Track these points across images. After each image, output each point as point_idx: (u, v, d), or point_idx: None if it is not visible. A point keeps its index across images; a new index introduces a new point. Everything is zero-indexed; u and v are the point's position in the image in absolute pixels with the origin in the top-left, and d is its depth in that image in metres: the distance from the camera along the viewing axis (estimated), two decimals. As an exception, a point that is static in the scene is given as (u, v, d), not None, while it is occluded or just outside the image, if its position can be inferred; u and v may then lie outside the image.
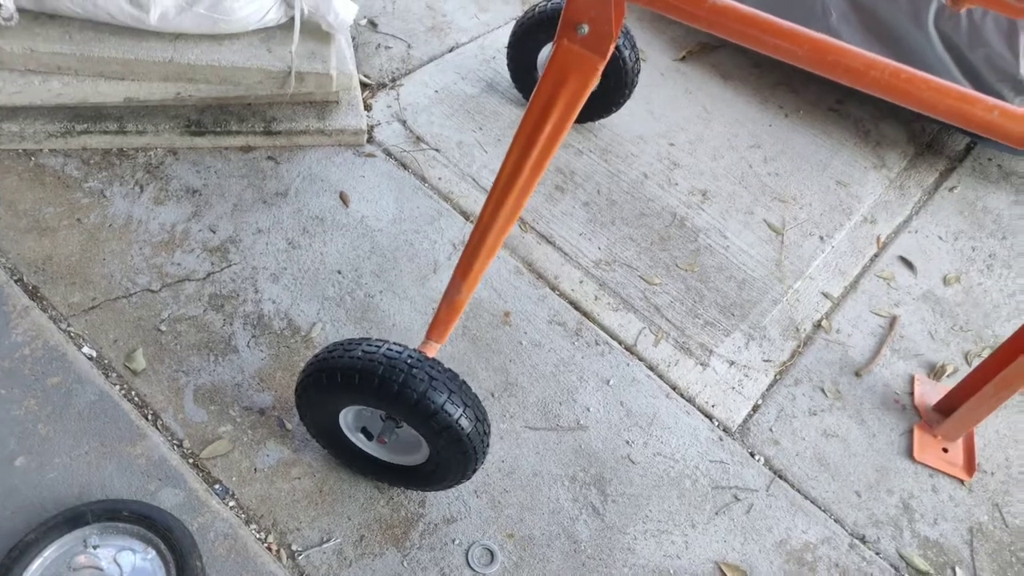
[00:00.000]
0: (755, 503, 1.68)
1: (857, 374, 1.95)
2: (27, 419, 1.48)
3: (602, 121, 2.35)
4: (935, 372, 2.00)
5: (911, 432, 1.86)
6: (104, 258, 1.74)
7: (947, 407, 1.87)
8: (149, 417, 1.55)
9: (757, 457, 1.76)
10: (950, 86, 1.25)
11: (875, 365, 1.97)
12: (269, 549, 1.44)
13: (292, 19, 1.88)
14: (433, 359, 1.34)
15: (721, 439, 1.77)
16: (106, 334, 1.63)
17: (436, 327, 1.53)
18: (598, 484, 1.64)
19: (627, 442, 1.72)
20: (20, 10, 1.72)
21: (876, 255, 2.24)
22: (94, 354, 1.60)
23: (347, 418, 1.45)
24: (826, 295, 2.11)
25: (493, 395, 1.73)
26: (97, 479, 1.43)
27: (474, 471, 1.43)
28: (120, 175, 1.89)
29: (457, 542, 1.52)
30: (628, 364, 1.85)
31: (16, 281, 1.66)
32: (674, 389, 1.83)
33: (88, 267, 1.72)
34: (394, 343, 1.35)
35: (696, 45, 2.69)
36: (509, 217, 1.47)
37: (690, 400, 1.82)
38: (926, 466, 1.81)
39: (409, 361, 1.31)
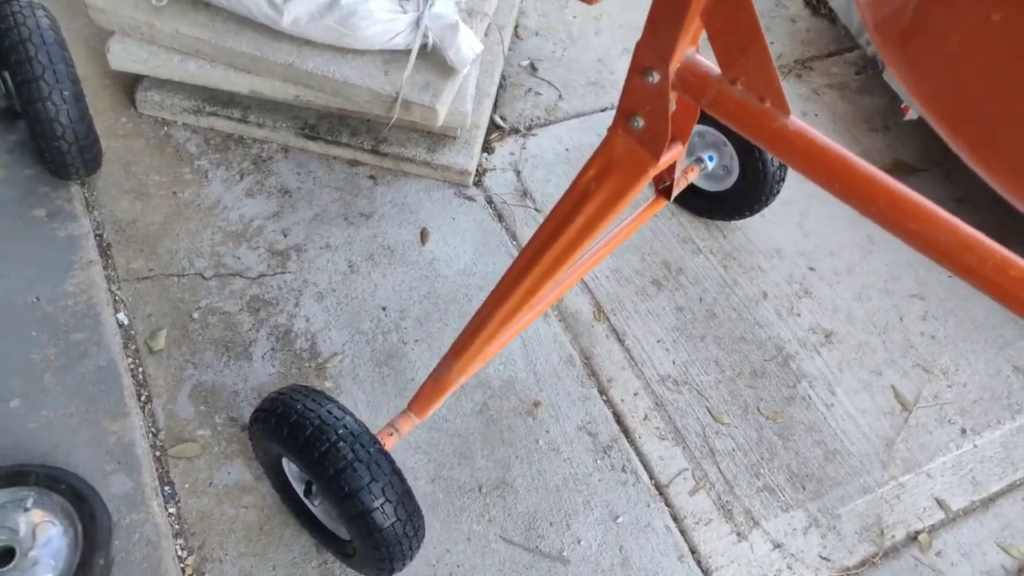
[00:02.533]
0: None
1: (940, 615, 1.54)
2: (40, 365, 1.55)
3: (740, 223, 2.08)
4: (1056, 650, 1.52)
5: None
6: (178, 234, 1.81)
7: None
8: (142, 398, 1.57)
9: (760, 671, 1.43)
10: (989, 245, 0.93)
11: (971, 612, 1.54)
12: (183, 570, 1.39)
13: (420, 48, 1.84)
14: (370, 438, 1.22)
15: (724, 632, 1.46)
16: (145, 306, 1.68)
17: (418, 400, 1.40)
18: (552, 630, 1.42)
19: (607, 594, 1.47)
20: (180, -8, 1.83)
21: (1033, 473, 1.77)
22: (125, 322, 1.65)
23: (291, 466, 1.36)
24: (941, 503, 1.69)
25: (480, 489, 1.56)
26: (67, 443, 1.47)
27: (391, 572, 1.28)
28: (229, 160, 1.96)
29: (369, 636, 1.37)
30: (649, 505, 1.59)
31: (96, 236, 1.76)
32: (692, 553, 1.55)
33: (161, 239, 1.79)
34: (342, 410, 1.24)
35: (890, 163, 2.30)
36: (516, 307, 1.31)
37: (706, 572, 1.53)
38: None
39: (340, 432, 1.19)
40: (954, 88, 0.61)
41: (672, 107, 1.14)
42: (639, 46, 1.08)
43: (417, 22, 1.83)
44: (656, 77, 1.09)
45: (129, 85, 2.02)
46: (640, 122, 1.15)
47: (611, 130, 1.21)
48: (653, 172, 1.20)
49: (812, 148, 1.02)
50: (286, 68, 1.82)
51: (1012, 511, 1.69)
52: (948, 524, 1.66)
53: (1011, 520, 1.68)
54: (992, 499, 1.71)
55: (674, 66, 1.08)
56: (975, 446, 1.79)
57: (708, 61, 1.10)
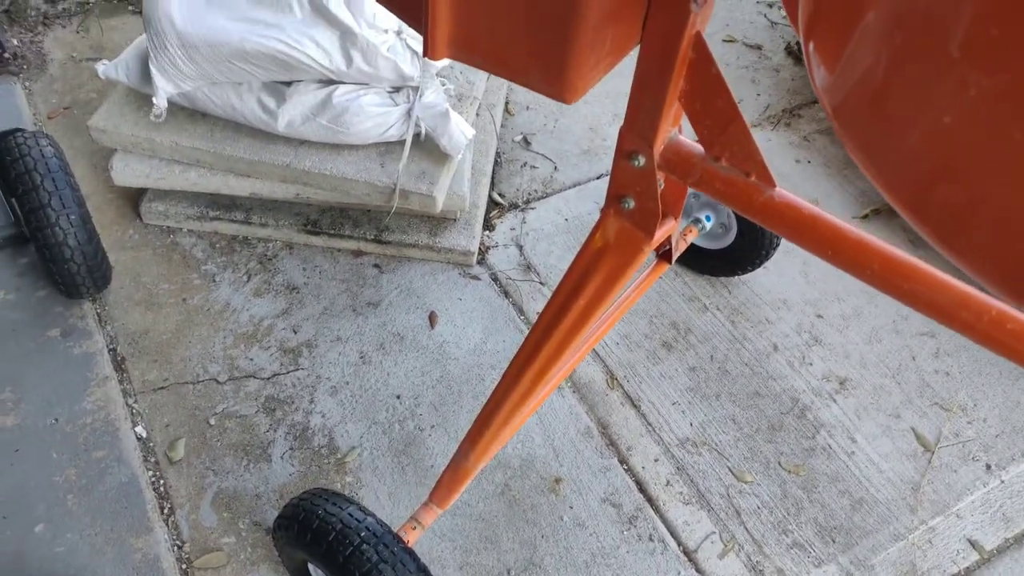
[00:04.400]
0: None
1: (989, 663, 1.50)
2: (63, 487, 1.57)
3: (743, 277, 2.10)
4: None
5: None
6: (191, 341, 1.84)
7: None
8: (165, 511, 1.57)
9: None
10: (984, 301, 0.94)
11: (1020, 657, 1.51)
12: None
13: (414, 138, 1.89)
14: (393, 537, 1.22)
15: None
16: (162, 417, 1.70)
17: (439, 491, 1.41)
18: None
19: (647, 672, 1.45)
20: (178, 107, 1.90)
21: (1065, 504, 1.74)
22: (144, 435, 1.67)
23: (318, 572, 1.36)
24: (974, 544, 1.66)
25: (509, 573, 1.55)
26: (93, 565, 1.47)
27: (425, 670, 1.27)
28: (235, 262, 2.00)
29: None
30: (680, 573, 1.57)
31: (110, 350, 1.80)
32: (728, 619, 1.53)
33: (174, 347, 1.82)
34: (363, 511, 1.24)
35: (885, 203, 2.33)
36: (528, 390, 1.32)
37: (744, 639, 1.50)
38: None
39: (363, 535, 1.19)
40: (912, 178, 0.63)
41: (661, 186, 1.18)
42: (622, 132, 1.12)
43: (408, 113, 1.88)
44: (642, 160, 1.12)
45: (133, 198, 2.08)
46: (631, 203, 1.18)
47: (603, 212, 1.24)
48: (648, 250, 1.22)
49: (800, 218, 1.05)
50: (284, 169, 1.87)
51: (1049, 547, 1.67)
52: (983, 565, 1.64)
53: (1049, 557, 1.65)
54: (1027, 536, 1.69)
55: (658, 148, 1.11)
56: (1002, 482, 1.77)
57: (691, 141, 1.13)
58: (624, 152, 1.14)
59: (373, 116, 1.85)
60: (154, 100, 1.80)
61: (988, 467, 1.79)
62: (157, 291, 1.92)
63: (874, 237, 1.03)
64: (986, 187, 0.58)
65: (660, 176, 1.16)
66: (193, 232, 2.06)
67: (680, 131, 1.16)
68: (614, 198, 1.21)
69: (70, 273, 1.67)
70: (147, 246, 2.01)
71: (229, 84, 1.80)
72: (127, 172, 1.93)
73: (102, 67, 1.84)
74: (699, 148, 1.12)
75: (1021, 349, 0.94)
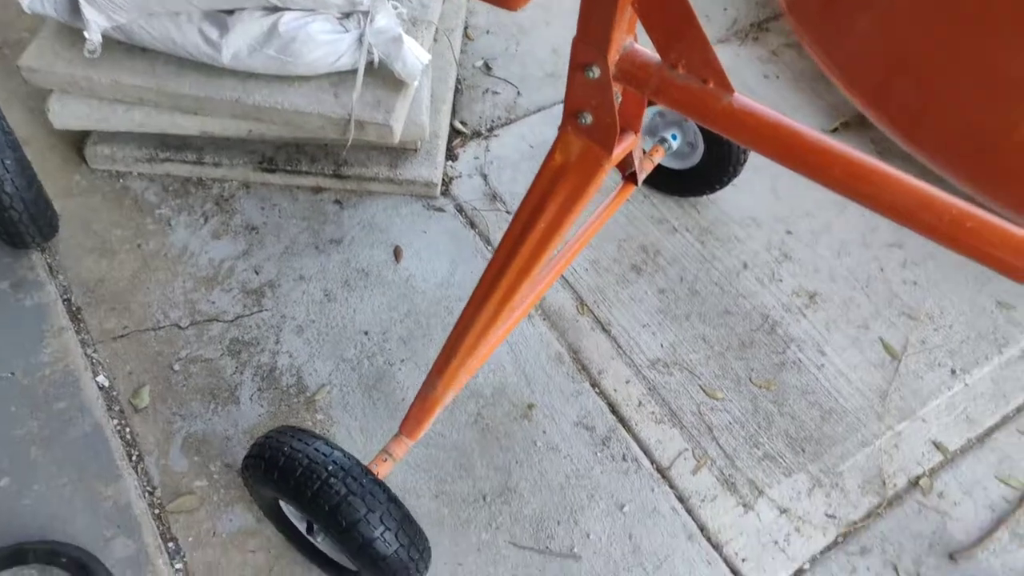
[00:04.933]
0: None
1: (952, 556, 1.54)
2: (25, 440, 1.54)
3: (712, 196, 2.07)
4: (1072, 577, 1.53)
5: (1011, 653, 1.44)
6: (149, 287, 1.79)
7: (1075, 630, 1.42)
8: (133, 458, 1.55)
9: (784, 640, 1.44)
10: (945, 200, 0.93)
11: (981, 549, 1.55)
12: (199, 624, 1.38)
13: (367, 66, 1.82)
14: (361, 470, 1.21)
15: (743, 607, 1.46)
16: (124, 365, 1.67)
17: (408, 422, 1.40)
18: (573, 631, 1.42)
19: (623, 586, 1.47)
20: (115, 42, 1.80)
21: (1028, 404, 1.78)
22: (106, 384, 1.64)
23: (289, 507, 1.36)
24: (938, 446, 1.70)
25: (485, 499, 1.56)
26: (63, 514, 1.46)
27: (403, 597, 1.28)
28: (191, 205, 1.94)
29: (393, 662, 1.37)
30: (654, 490, 1.59)
31: (64, 300, 1.75)
32: (701, 530, 1.55)
33: (132, 294, 1.77)
34: (329, 446, 1.23)
35: (856, 115, 2.30)
36: (492, 317, 1.30)
37: (717, 547, 1.53)
38: None
39: (330, 468, 1.18)
40: (868, 73, 0.60)
41: (618, 99, 1.14)
42: (575, 43, 1.07)
43: (360, 40, 1.81)
44: (596, 72, 1.08)
45: (77, 142, 1.99)
46: (588, 118, 1.15)
47: (561, 129, 1.20)
48: (608, 166, 1.19)
49: (760, 124, 1.02)
50: (233, 104, 1.80)
51: (1008, 444, 1.70)
52: (947, 465, 1.67)
53: (1008, 453, 1.69)
54: (987, 435, 1.72)
55: (613, 58, 1.07)
56: (966, 385, 1.79)
57: (647, 50, 1.09)
58: (578, 64, 1.10)
59: (323, 44, 1.77)
60: (86, 34, 1.71)
61: (953, 372, 1.81)
62: (110, 238, 1.86)
63: (836, 142, 1.00)
64: (939, 77, 0.56)
65: (617, 88, 1.12)
66: (144, 175, 1.99)
67: (636, 40, 1.11)
68: (571, 114, 1.17)
69: (12, 222, 1.60)
70: (96, 192, 1.94)
71: (167, 15, 1.71)
72: (66, 114, 1.85)
73: (27, 1, 1.74)
74: (655, 57, 1.08)
75: (981, 247, 0.93)
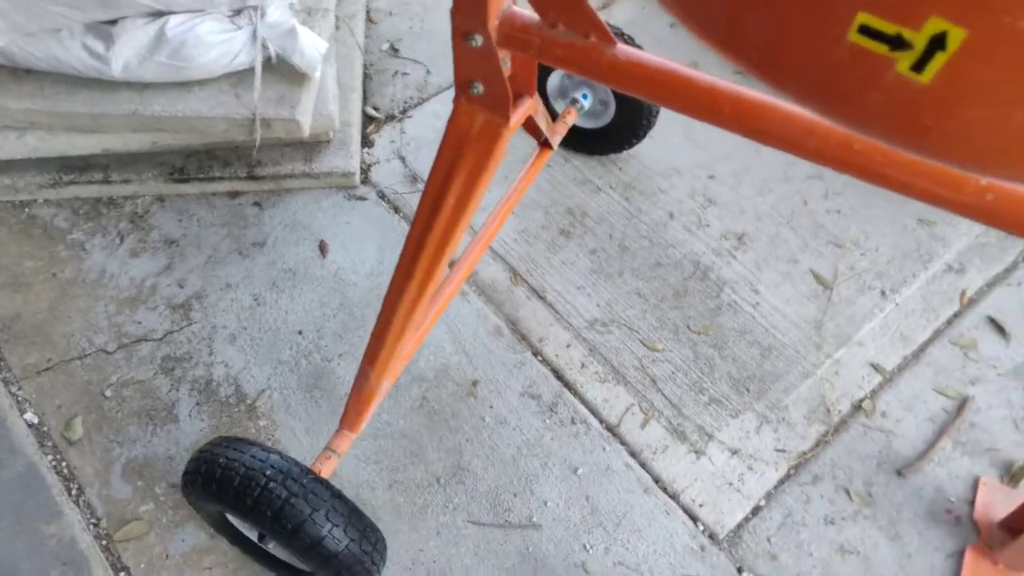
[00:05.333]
0: (733, 636, 1.40)
1: (899, 472, 1.58)
2: (-42, 489, 1.49)
3: (632, 151, 2.08)
4: (1012, 475, 1.58)
5: (961, 555, 1.48)
6: (70, 315, 1.74)
7: (1018, 524, 1.47)
8: (73, 492, 1.51)
9: (746, 574, 1.46)
10: (923, 162, 0.93)
11: (927, 462, 1.59)
12: (162, 648, 1.36)
13: (264, 63, 1.78)
14: (301, 470, 1.19)
15: (703, 548, 1.49)
16: (52, 399, 1.62)
17: (348, 416, 1.38)
18: (540, 598, 1.43)
19: (584, 546, 1.48)
20: (-2, 67, 1.73)
21: (956, 315, 1.82)
22: (35, 420, 1.59)
23: (235, 518, 1.34)
24: (876, 367, 1.73)
25: (439, 481, 1.55)
26: (6, 560, 1.42)
27: (363, 590, 1.27)
28: (104, 226, 1.88)
29: (364, 656, 1.36)
30: (605, 449, 1.60)
31: (-17, 340, 1.69)
32: (656, 482, 1.57)
33: (52, 325, 1.72)
34: (265, 451, 1.21)
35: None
36: (414, 301, 1.29)
37: (673, 496, 1.55)
38: (977, 603, 1.44)
39: (268, 473, 1.17)
40: (720, 14, 0.59)
41: (507, 64, 1.12)
42: (453, 13, 1.05)
43: (253, 36, 1.76)
44: (479, 40, 1.06)
45: (-23, 176, 1.92)
46: (479, 88, 1.13)
47: (455, 102, 1.19)
48: (508, 133, 1.18)
49: (647, 72, 1.01)
50: (131, 117, 1.74)
51: (941, 356, 1.75)
52: (886, 384, 1.71)
53: (942, 365, 1.73)
54: (922, 350, 1.76)
55: (493, 24, 1.05)
56: (897, 304, 1.83)
57: (526, 11, 1.08)
58: (460, 34, 1.08)
59: (215, 45, 1.72)
60: (-34, 63, 1.64)
61: (883, 293, 1.85)
62: (22, 270, 1.80)
63: (724, 81, 1.00)
64: (788, 10, 0.55)
65: (504, 54, 1.10)
66: (50, 201, 1.92)
67: (515, 2, 1.10)
68: (462, 85, 1.15)
69: (-87, 266, 1.54)
70: (1, 225, 1.87)
71: (46, 32, 1.65)
72: (-42, 148, 1.78)
73: (-103, 36, 1.66)
74: (535, 17, 1.07)
75: (869, 165, 0.94)
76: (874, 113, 0.54)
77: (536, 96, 1.31)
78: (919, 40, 0.47)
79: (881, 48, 0.49)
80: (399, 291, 1.29)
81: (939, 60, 0.47)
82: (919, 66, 0.48)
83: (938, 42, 0.46)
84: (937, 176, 0.90)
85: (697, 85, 1.00)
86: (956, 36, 0.45)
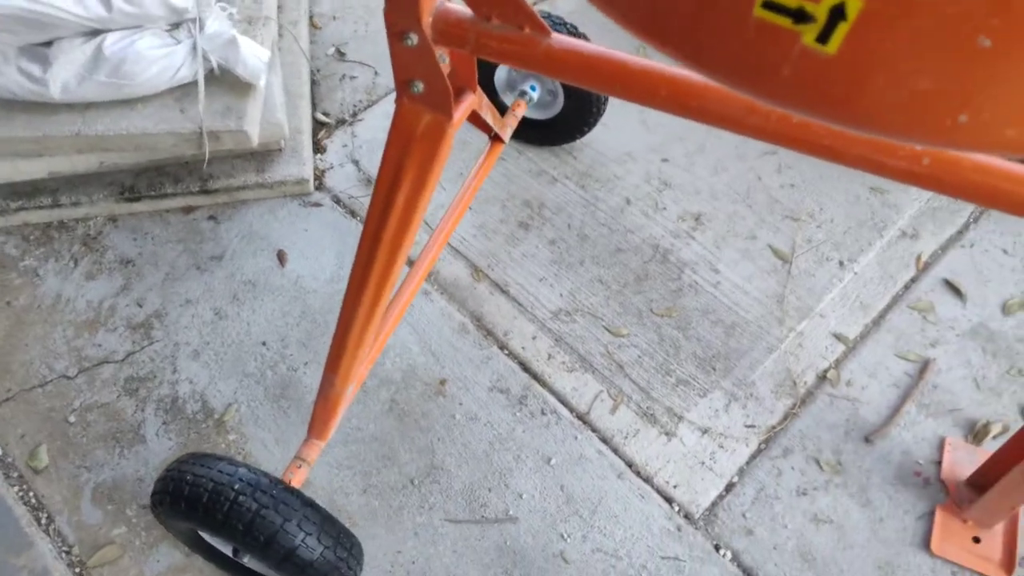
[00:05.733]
0: (713, 612, 1.41)
1: (867, 439, 1.61)
2: (-77, 527, 1.46)
3: (585, 140, 2.08)
4: (976, 433, 1.62)
5: (932, 515, 1.51)
6: (27, 343, 1.71)
7: (985, 481, 1.50)
8: (42, 521, 1.49)
9: (723, 551, 1.48)
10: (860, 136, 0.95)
11: (893, 426, 1.62)
12: (143, 671, 1.35)
13: (207, 75, 1.76)
14: (270, 481, 1.19)
15: (679, 529, 1.50)
16: (15, 429, 1.60)
17: (315, 424, 1.37)
18: (521, 590, 1.43)
19: (562, 536, 1.49)
20: (-66, 97, 1.70)
21: (913, 280, 1.85)
22: None
23: (207, 534, 1.33)
24: (839, 337, 1.76)
25: (413, 482, 1.55)
26: (-22, 594, 1.40)
27: (341, 596, 1.27)
28: (57, 250, 1.85)
29: (348, 662, 1.36)
30: (576, 438, 1.61)
31: (-61, 375, 1.66)
32: (629, 467, 1.58)
33: (10, 355, 1.69)
34: (232, 464, 1.20)
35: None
36: (372, 304, 1.28)
37: (647, 480, 1.56)
38: (948, 561, 1.46)
39: (236, 487, 1.16)
40: None
41: (445, 60, 1.12)
42: (386, 13, 1.04)
43: (194, 49, 1.74)
44: (415, 39, 1.06)
45: (-78, 209, 1.88)
46: (419, 86, 1.13)
47: (397, 102, 1.18)
48: (452, 131, 1.17)
49: (583, 60, 1.02)
50: (75, 139, 1.72)
51: (901, 321, 1.78)
52: (850, 353, 1.74)
53: (902, 330, 1.76)
54: (881, 316, 1.79)
55: (427, 21, 1.05)
56: (855, 273, 1.86)
57: (459, 6, 1.08)
58: (395, 34, 1.07)
59: (156, 60, 1.70)
60: (-100, 95, 1.60)
61: (841, 263, 1.87)
62: (-24, 301, 1.77)
63: (660, 64, 1.01)
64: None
65: (440, 51, 1.10)
66: None
67: (448, -2, 1.09)
68: (402, 85, 1.15)
69: None
70: (-48, 256, 1.84)
71: (-20, 58, 1.62)
72: (-101, 182, 1.74)
73: None
74: (468, 12, 1.06)
75: (809, 139, 0.96)
76: (789, 87, 0.55)
77: (479, 91, 1.31)
78: (820, 12, 0.47)
79: (785, 22, 0.49)
80: (356, 295, 1.28)
81: (841, 31, 0.48)
82: (823, 38, 0.49)
83: (838, 13, 0.47)
84: (873, 144, 0.92)
85: (633, 69, 1.00)
86: (854, 6, 0.46)
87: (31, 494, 1.52)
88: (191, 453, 1.26)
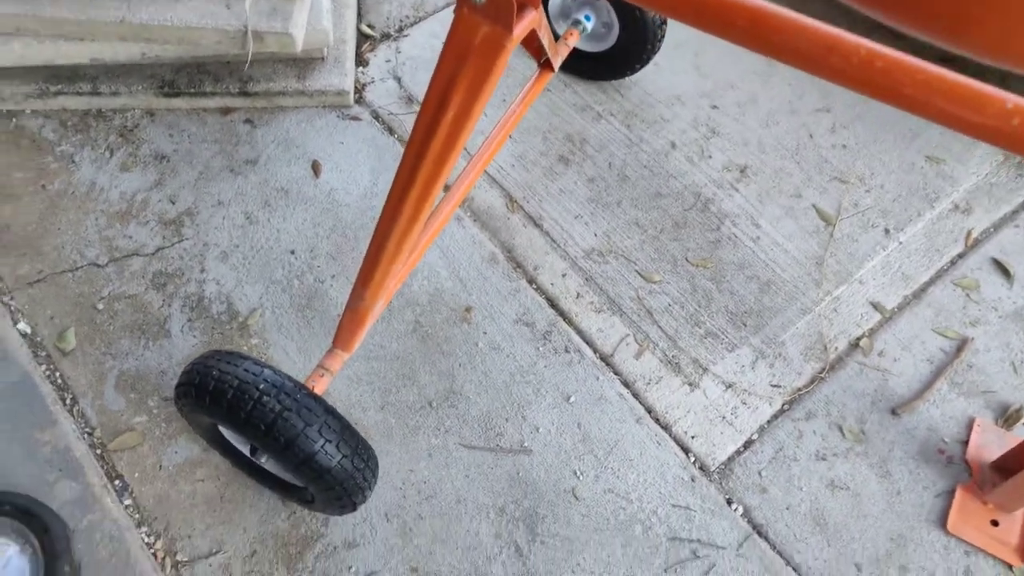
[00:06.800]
0: (718, 563, 1.41)
1: (894, 411, 1.59)
2: (-51, 397, 1.48)
3: (635, 78, 2.02)
4: (1007, 418, 1.59)
5: (951, 494, 1.50)
6: (60, 228, 1.71)
7: (1012, 465, 1.47)
8: (67, 402, 1.51)
9: (735, 506, 1.48)
10: (952, 79, 0.89)
11: (922, 401, 1.60)
12: (154, 556, 1.37)
13: (258, -31, 1.71)
14: (294, 385, 1.18)
15: (693, 479, 1.50)
16: (44, 310, 1.60)
17: (341, 335, 1.37)
18: (529, 520, 1.44)
19: (575, 473, 1.49)
20: (-19, -32, 1.66)
21: (960, 256, 1.80)
22: (28, 331, 1.58)
23: (229, 431, 1.34)
24: (876, 306, 1.72)
25: (431, 405, 1.55)
26: (2, 464, 1.42)
27: (354, 507, 1.28)
28: (93, 139, 1.84)
29: (353, 570, 1.38)
30: (598, 378, 1.59)
31: (-29, 250, 1.66)
32: (648, 412, 1.57)
33: (43, 237, 1.69)
34: (259, 365, 1.19)
35: None
36: (411, 219, 1.26)
37: (666, 428, 1.55)
38: (963, 541, 1.45)
39: (261, 387, 1.16)
40: None
41: (511, -29, 1.07)
42: (456, -88, 1.00)
43: (247, -57, 1.69)
44: (483, -57, 1.01)
45: (-38, 83, 1.86)
46: (482, -5, 1.08)
47: (456, 12, 1.14)
48: (511, 46, 1.13)
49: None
50: (119, 26, 1.68)
51: (943, 296, 1.73)
52: (885, 324, 1.70)
53: (943, 305, 1.72)
54: (923, 290, 1.75)
55: (498, -75, 1.00)
56: (900, 243, 1.81)
57: (533, -88, 1.02)
58: (463, -64, 1.02)
59: (207, -51, 1.65)
60: (-52, -38, 1.57)
61: (887, 231, 1.82)
62: (10, 181, 1.76)
63: (738, -9, 0.96)
64: None
65: (509, -41, 1.05)
66: (38, 112, 1.87)
67: (522, -97, 1.04)
68: (463, -8, 1.10)
69: None
70: (-10, 134, 1.83)
71: (30, -70, 1.58)
72: (-59, 52, 1.72)
73: None
74: (543, -82, 1.01)
75: (891, 85, 0.91)
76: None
77: (540, 9, 1.26)
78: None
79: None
80: (394, 209, 1.26)
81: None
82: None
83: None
84: (959, 97, 0.87)
85: (709, -6, 0.95)
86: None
87: (57, 374, 1.54)
88: (218, 349, 1.26)
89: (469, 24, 1.13)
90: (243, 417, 1.15)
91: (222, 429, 1.33)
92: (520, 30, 1.15)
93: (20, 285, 1.63)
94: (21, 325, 1.58)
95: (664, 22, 1.82)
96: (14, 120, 1.85)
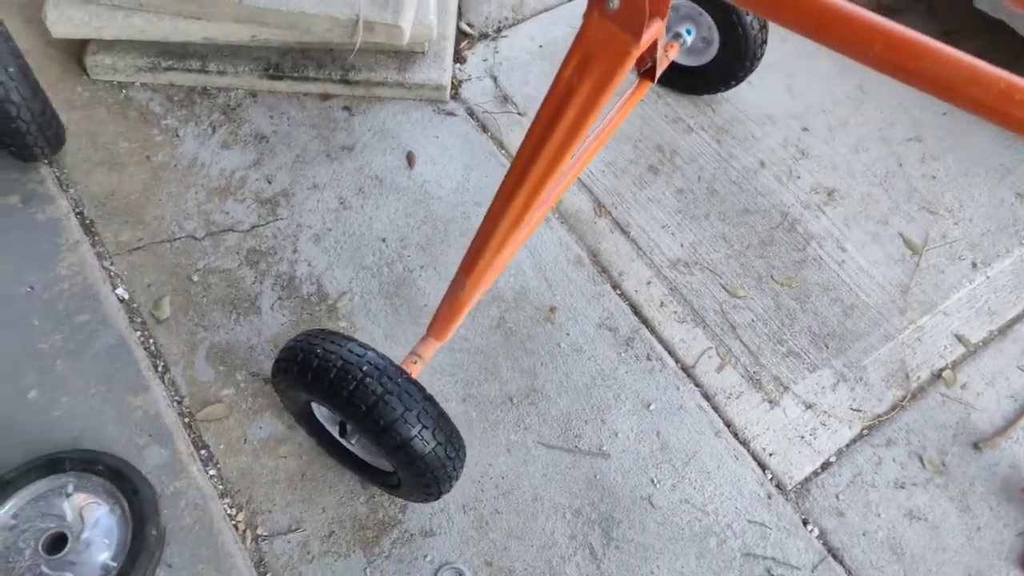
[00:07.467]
0: (791, 582, 1.41)
1: (976, 446, 1.57)
2: (50, 353, 1.53)
3: (727, 94, 2.02)
4: (1089, 460, 1.56)
5: (1030, 533, 1.48)
6: (161, 199, 1.76)
7: (1092, 510, 1.45)
8: (159, 368, 1.55)
9: (810, 527, 1.47)
10: (993, 73, 0.90)
11: (1005, 438, 1.57)
12: (236, 527, 1.41)
13: (371, -38, 1.75)
14: (396, 369, 1.21)
15: (770, 497, 1.49)
16: (142, 277, 1.65)
17: (436, 323, 1.39)
18: (604, 524, 1.45)
19: (652, 480, 1.50)
20: (108, -57, 1.72)
21: (1048, 295, 1.77)
22: (126, 296, 1.62)
23: (321, 410, 1.36)
24: (960, 339, 1.70)
25: (512, 400, 1.57)
26: (95, 425, 1.46)
27: (439, 495, 1.30)
28: (197, 115, 1.89)
29: (429, 559, 1.40)
30: (679, 388, 1.60)
31: (76, 214, 1.71)
32: (728, 427, 1.57)
33: (144, 207, 1.74)
34: (362, 347, 1.22)
35: (872, 2, 2.23)
36: (519, 214, 1.28)
37: (744, 443, 1.55)
38: (1040, 580, 1.43)
39: (365, 368, 1.18)
40: None
41: (648, -21, 1.09)
42: (606, -81, 1.01)
43: (362, -65, 1.73)
44: (628, -51, 1.02)
45: (77, 52, 1.92)
46: (615, 2, 1.10)
47: (586, 16, 1.15)
48: (636, 53, 1.14)
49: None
50: (236, 8, 1.73)
51: (1033, 335, 1.71)
52: (969, 357, 1.68)
53: (1033, 344, 1.70)
54: (1009, 326, 1.72)
55: (644, -66, 1.01)
56: (987, 278, 1.79)
57: (681, -78, 1.04)
58: (608, -58, 1.04)
59: (325, -61, 1.69)
60: (80, -65, 1.63)
61: (974, 265, 1.80)
62: (117, 150, 1.82)
63: (875, 15, 0.96)
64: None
65: (648, -33, 1.06)
66: (147, 86, 1.93)
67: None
68: (598, -1, 1.12)
69: (19, 133, 1.55)
70: (99, 104, 1.89)
71: (162, -90, 1.63)
72: (64, 21, 1.78)
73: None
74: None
75: (930, 73, 0.90)
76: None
77: (665, 20, 1.27)
78: None
79: None
80: (505, 202, 1.28)
81: None
82: None
83: None
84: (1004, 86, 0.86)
85: (848, 17, 0.95)
86: None
87: (151, 341, 1.58)
88: (320, 329, 1.29)
89: (598, 29, 1.14)
90: (344, 397, 1.18)
91: (315, 408, 1.36)
92: (647, 38, 1.17)
93: (121, 251, 1.68)
94: (119, 291, 1.63)
95: (765, 40, 1.83)
96: (124, 91, 1.91)
